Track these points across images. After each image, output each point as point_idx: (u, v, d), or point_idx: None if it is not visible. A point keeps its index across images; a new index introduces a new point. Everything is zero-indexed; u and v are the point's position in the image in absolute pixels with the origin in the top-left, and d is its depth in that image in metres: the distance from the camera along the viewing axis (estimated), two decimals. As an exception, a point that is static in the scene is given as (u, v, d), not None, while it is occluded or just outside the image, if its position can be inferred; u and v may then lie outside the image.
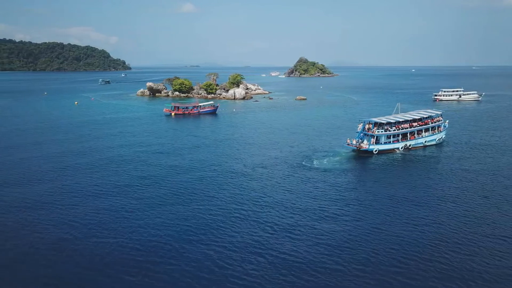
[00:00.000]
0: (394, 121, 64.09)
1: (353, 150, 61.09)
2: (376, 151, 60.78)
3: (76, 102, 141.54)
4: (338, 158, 58.00)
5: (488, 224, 34.20)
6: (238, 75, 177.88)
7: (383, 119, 64.15)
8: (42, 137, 75.58)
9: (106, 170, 51.85)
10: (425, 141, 66.51)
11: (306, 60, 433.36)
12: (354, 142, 61.63)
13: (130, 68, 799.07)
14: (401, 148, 63.16)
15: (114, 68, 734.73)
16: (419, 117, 67.75)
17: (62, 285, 25.62)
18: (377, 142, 61.76)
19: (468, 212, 36.80)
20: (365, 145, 61.01)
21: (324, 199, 40.65)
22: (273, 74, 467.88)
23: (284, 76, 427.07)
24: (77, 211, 37.74)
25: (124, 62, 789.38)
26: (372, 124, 63.45)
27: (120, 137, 75.31)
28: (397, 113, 71.11)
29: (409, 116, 68.00)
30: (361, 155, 59.41)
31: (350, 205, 38.86)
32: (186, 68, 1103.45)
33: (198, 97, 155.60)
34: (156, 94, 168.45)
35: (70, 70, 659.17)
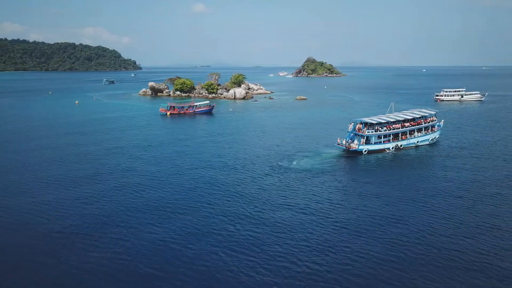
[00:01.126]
0: (385, 121, 63.54)
1: (343, 150, 60.94)
2: (365, 151, 60.50)
3: (77, 102, 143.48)
4: (323, 158, 57.74)
5: (453, 223, 33.87)
6: (240, 75, 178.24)
7: (374, 119, 63.67)
8: (34, 134, 77.21)
9: (82, 165, 53.27)
10: (417, 141, 65.82)
11: (314, 60, 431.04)
12: (344, 142, 61.45)
13: (140, 68, 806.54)
14: (392, 148, 62.63)
15: (125, 68, 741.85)
16: (412, 117, 67.04)
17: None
18: (368, 142, 61.44)
19: (437, 212, 36.43)
20: (355, 145, 60.80)
21: (292, 198, 40.55)
22: (281, 74, 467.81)
23: (291, 76, 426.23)
24: (44, 198, 39.67)
25: (134, 62, 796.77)
26: (362, 124, 63.21)
27: (109, 136, 76.20)
28: (391, 113, 70.58)
29: (401, 116, 67.26)
30: (350, 155, 59.20)
31: (317, 204, 38.64)
32: (197, 68, 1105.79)
33: (200, 97, 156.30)
34: (158, 93, 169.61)
35: (81, 70, 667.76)
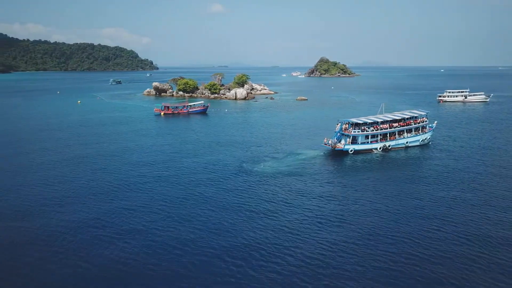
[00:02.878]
0: (372, 121, 63.36)
1: (329, 150, 61.00)
2: (351, 151, 60.38)
3: (79, 101, 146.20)
4: (301, 158, 57.42)
5: (405, 225, 33.35)
6: (244, 75, 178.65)
7: (360, 119, 63.73)
8: (25, 132, 79.71)
9: (58, 158, 54.29)
10: (407, 142, 65.04)
11: (327, 60, 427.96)
12: (330, 142, 61.41)
13: (157, 68, 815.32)
14: (379, 148, 62.13)
15: (142, 68, 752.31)
16: (401, 118, 66.48)
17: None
18: (354, 142, 61.37)
19: (390, 214, 35.89)
20: (341, 145, 60.62)
21: (249, 198, 40.31)
22: (294, 74, 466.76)
23: (303, 76, 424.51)
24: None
25: (151, 62, 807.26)
26: (348, 124, 63.12)
27: (96, 135, 77.54)
28: (382, 114, 70.02)
29: (390, 116, 66.82)
30: (336, 156, 59.02)
31: (271, 204, 38.29)
32: (214, 68, 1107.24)
33: (203, 97, 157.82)
34: (162, 94, 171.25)
35: (99, 70, 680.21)
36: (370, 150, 61.77)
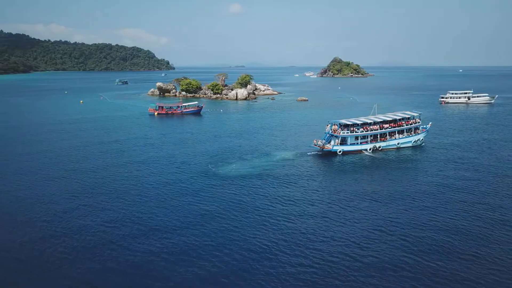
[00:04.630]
0: (362, 122, 63.13)
1: (318, 151, 61.20)
2: (340, 152, 60.34)
3: (81, 101, 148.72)
4: (289, 158, 57.58)
5: (377, 230, 32.91)
6: (247, 75, 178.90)
7: (350, 120, 63.80)
8: (15, 130, 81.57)
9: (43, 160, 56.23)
10: (398, 143, 64.48)
11: (340, 60, 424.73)
12: (319, 142, 61.64)
13: (173, 68, 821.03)
14: (370, 149, 61.80)
15: (158, 68, 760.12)
16: (392, 119, 65.92)
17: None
18: (344, 143, 61.34)
19: (360, 215, 35.19)
20: (330, 146, 60.76)
21: (209, 199, 40.35)
22: (307, 74, 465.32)
23: (316, 76, 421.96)
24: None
25: (168, 62, 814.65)
26: (338, 125, 63.03)
27: (84, 134, 78.84)
28: (374, 114, 69.52)
29: (382, 117, 66.44)
30: (324, 156, 59.07)
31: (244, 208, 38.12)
32: (231, 68, 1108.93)
33: (205, 97, 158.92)
34: (165, 94, 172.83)
35: (117, 70, 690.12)
36: (360, 151, 61.50)
